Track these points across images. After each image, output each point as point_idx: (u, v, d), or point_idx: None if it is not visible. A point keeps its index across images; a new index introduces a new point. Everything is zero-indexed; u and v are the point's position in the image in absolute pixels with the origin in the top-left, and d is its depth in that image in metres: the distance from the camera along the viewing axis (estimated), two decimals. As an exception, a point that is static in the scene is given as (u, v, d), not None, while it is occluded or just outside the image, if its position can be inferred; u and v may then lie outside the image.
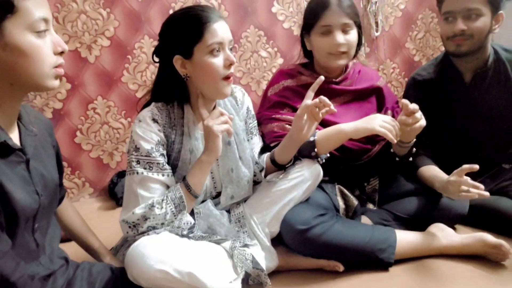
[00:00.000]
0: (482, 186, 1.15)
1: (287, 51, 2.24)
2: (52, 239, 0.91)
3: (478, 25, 1.33)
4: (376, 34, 2.36)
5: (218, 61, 1.07)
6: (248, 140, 1.28)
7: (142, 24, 1.99)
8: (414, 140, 1.31)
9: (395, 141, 1.18)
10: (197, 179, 1.10)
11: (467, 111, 1.45)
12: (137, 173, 1.07)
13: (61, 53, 0.80)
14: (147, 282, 0.93)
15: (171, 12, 1.99)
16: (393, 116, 1.41)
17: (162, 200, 1.07)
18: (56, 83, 0.80)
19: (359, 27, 1.38)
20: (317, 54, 1.39)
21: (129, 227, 1.06)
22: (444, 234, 1.27)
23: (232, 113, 1.23)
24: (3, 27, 0.71)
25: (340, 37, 1.32)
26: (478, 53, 1.39)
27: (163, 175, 1.09)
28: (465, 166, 1.17)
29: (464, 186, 1.16)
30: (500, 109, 1.43)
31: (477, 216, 1.37)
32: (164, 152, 1.11)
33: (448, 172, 1.26)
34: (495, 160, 1.48)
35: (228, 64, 1.09)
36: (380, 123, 1.18)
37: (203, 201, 1.19)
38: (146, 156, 1.08)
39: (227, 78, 1.10)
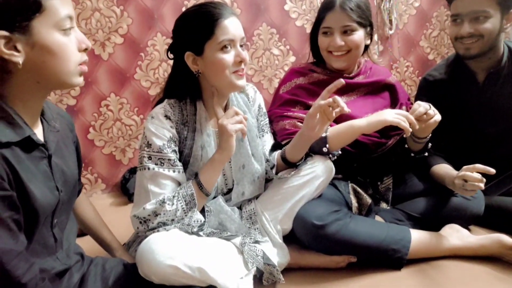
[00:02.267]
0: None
1: (300, 49, 2.23)
2: (70, 234, 0.92)
3: (487, 26, 1.30)
4: (390, 32, 2.34)
5: (228, 57, 1.06)
6: (259, 137, 1.28)
7: (155, 22, 2.00)
8: (430, 135, 1.30)
9: (410, 130, 1.16)
10: (209, 177, 1.10)
11: (480, 111, 1.43)
12: (149, 168, 1.07)
13: (85, 50, 0.81)
14: (158, 277, 0.93)
15: (184, 9, 1.98)
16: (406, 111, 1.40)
17: (173, 196, 1.07)
18: (81, 80, 0.81)
19: (368, 26, 1.37)
20: (322, 53, 1.42)
21: (140, 222, 1.06)
22: (459, 235, 1.26)
23: (245, 110, 1.23)
24: (31, 26, 0.72)
25: (338, 40, 1.33)
26: (490, 53, 1.36)
27: (174, 171, 1.09)
28: (479, 165, 1.16)
29: (470, 180, 1.15)
30: None
31: (493, 217, 1.34)
32: (176, 148, 1.11)
33: None
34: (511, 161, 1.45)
35: (239, 61, 1.08)
36: (392, 114, 1.18)
37: (214, 198, 1.20)
38: (157, 152, 1.08)
39: (237, 71, 1.09)
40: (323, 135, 1.22)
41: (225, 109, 1.20)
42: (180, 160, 1.12)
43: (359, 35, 1.34)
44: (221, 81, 1.09)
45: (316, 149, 1.24)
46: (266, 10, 2.15)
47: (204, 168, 1.11)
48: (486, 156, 1.36)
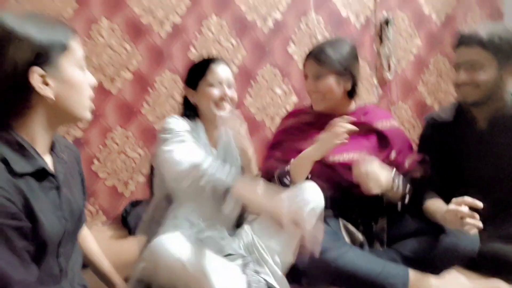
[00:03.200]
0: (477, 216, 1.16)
1: (301, 90, 2.31)
2: (75, 265, 0.94)
3: (481, 76, 1.35)
4: (389, 76, 2.43)
5: (214, 92, 1.30)
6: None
7: (164, 59, 2.08)
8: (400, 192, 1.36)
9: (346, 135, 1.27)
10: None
11: (479, 156, 1.46)
12: (173, 141, 1.17)
13: (93, 86, 0.90)
14: (163, 271, 1.00)
15: (191, 47, 2.11)
16: (395, 158, 1.46)
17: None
18: (90, 114, 0.89)
19: (344, 73, 1.44)
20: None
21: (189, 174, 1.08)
22: (458, 281, 1.26)
23: (230, 140, 1.37)
24: (59, 63, 0.81)
25: (309, 84, 1.47)
26: (489, 102, 1.40)
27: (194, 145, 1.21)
28: (468, 198, 1.18)
29: (461, 215, 1.17)
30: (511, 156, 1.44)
31: (489, 263, 1.35)
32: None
33: None
34: (506, 204, 1.47)
35: (222, 97, 1.29)
36: (336, 135, 1.28)
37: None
38: (179, 134, 1.20)
39: (218, 104, 1.29)
40: (286, 168, 1.34)
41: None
42: None
43: (330, 80, 1.43)
44: (207, 110, 1.31)
45: (278, 180, 1.35)
46: (270, 52, 2.25)
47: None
48: (482, 198, 1.38)
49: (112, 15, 1.99)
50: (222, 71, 1.32)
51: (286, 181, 1.34)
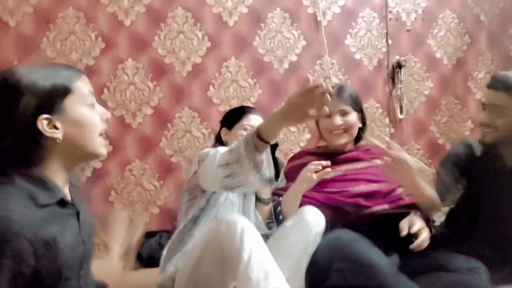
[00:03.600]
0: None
1: (314, 127, 2.35)
2: (92, 286, 0.98)
3: (502, 120, 1.37)
4: (401, 116, 2.48)
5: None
6: None
7: (183, 97, 2.19)
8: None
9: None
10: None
11: (499, 193, 1.45)
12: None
13: (106, 120, 0.93)
14: (224, 227, 1.12)
15: (211, 87, 2.22)
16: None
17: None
18: (105, 151, 0.92)
19: (359, 112, 1.58)
20: (323, 134, 1.62)
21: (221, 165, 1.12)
22: None
23: None
24: (65, 106, 0.86)
25: (337, 120, 1.54)
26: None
27: None
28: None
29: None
30: None
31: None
32: None
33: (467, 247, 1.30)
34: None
35: None
36: (310, 170, 1.39)
37: None
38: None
39: None
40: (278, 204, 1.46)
41: None
42: None
43: (353, 116, 1.56)
44: None
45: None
46: (285, 91, 2.33)
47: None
48: (495, 238, 1.36)
49: (137, 55, 2.13)
50: (256, 120, 1.53)
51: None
